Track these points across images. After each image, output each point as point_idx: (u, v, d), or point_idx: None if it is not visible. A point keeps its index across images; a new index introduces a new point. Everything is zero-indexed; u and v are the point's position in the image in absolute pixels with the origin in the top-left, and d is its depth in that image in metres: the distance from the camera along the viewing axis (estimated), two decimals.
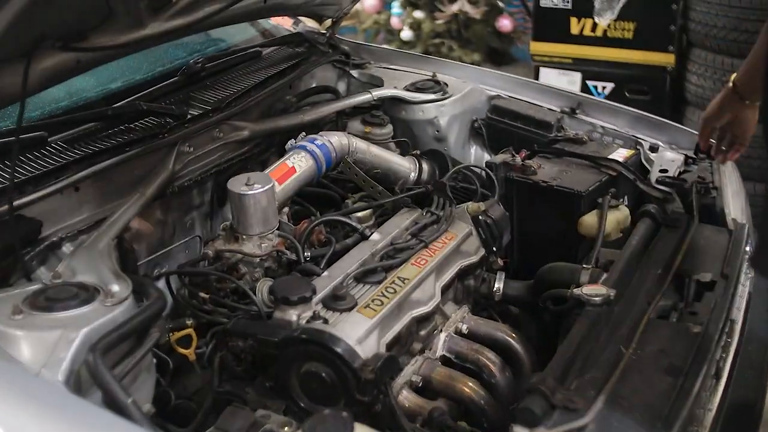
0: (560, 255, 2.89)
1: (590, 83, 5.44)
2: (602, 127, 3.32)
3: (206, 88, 2.98)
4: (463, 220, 2.66)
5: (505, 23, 6.41)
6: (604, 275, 2.42)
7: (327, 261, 2.46)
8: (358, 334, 2.08)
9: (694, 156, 3.15)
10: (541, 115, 3.32)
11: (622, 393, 1.95)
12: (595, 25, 5.37)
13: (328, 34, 3.63)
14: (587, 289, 2.28)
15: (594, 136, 3.29)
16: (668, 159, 3.15)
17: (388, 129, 3.30)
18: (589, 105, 3.40)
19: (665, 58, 5.28)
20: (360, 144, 2.87)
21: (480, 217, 2.69)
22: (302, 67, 3.34)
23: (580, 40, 5.41)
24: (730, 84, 2.69)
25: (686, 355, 2.10)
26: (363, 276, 2.29)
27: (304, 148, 2.69)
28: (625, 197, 3.01)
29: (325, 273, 2.32)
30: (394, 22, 7.48)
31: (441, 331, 2.44)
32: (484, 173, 2.96)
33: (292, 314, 2.10)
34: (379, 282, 2.29)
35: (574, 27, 5.41)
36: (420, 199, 2.72)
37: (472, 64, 6.63)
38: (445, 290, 2.47)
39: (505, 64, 6.81)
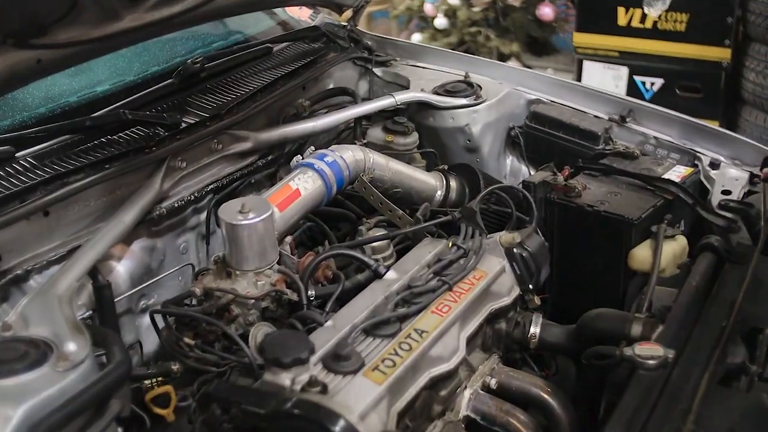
0: (606, 292, 2.53)
1: (638, 79, 5.03)
2: (655, 138, 2.93)
3: (205, 91, 2.62)
4: (495, 254, 2.29)
5: (546, 11, 5.99)
6: (660, 328, 2.05)
7: (334, 302, 2.12)
8: (363, 405, 1.72)
9: (760, 174, 2.75)
10: (587, 124, 2.93)
11: None
12: (644, 16, 4.97)
13: (348, 27, 3.25)
14: (640, 349, 1.91)
15: (647, 149, 2.90)
16: (731, 177, 2.75)
17: (413, 138, 2.94)
18: (641, 112, 3.00)
19: (720, 53, 4.86)
20: (378, 159, 2.51)
21: (515, 250, 2.32)
22: (318, 65, 2.98)
23: (628, 31, 5.01)
24: None
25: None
26: (373, 328, 1.94)
27: (311, 166, 2.32)
28: (682, 223, 2.62)
29: (329, 322, 1.96)
30: (428, 8, 7.05)
31: (465, 387, 2.08)
32: (520, 194, 2.58)
33: (285, 378, 1.75)
34: (393, 335, 1.94)
35: (622, 18, 5.00)
36: (445, 225, 2.35)
37: (511, 54, 6.24)
38: (471, 339, 2.11)
39: (545, 54, 6.39)
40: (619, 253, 2.48)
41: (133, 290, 2.30)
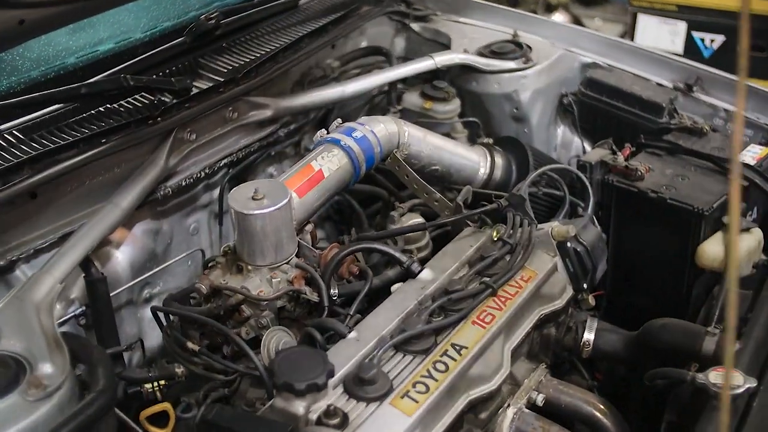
0: (668, 291, 2.25)
1: (696, 35, 4.62)
2: (726, 111, 2.58)
3: (220, 52, 2.31)
4: (545, 248, 2.00)
5: None
6: (736, 345, 1.75)
7: (359, 304, 1.85)
8: None
9: None
10: (650, 94, 2.59)
11: None
12: None
13: None
14: (717, 376, 1.62)
15: (716, 124, 2.57)
16: None
17: (454, 105, 2.64)
18: (709, 80, 2.65)
19: None
20: (414, 132, 2.20)
21: (569, 244, 2.03)
22: (349, 21, 2.65)
23: None
24: None
25: None
26: (404, 343, 1.66)
27: (337, 143, 2.02)
28: (754, 210, 2.31)
29: (353, 334, 1.69)
30: None
31: (509, 405, 1.81)
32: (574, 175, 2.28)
33: (299, 405, 1.49)
34: (427, 351, 1.66)
35: None
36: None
37: (558, 4, 5.84)
38: (516, 349, 1.83)
39: (596, 4, 5.95)
40: (686, 248, 2.19)
41: (134, 281, 2.04)
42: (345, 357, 1.61)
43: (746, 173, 2.25)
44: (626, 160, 2.30)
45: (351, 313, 1.83)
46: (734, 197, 1.31)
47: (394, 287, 1.82)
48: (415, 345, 1.66)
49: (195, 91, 2.13)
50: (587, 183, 2.23)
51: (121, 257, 2.03)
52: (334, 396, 1.54)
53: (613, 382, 2.22)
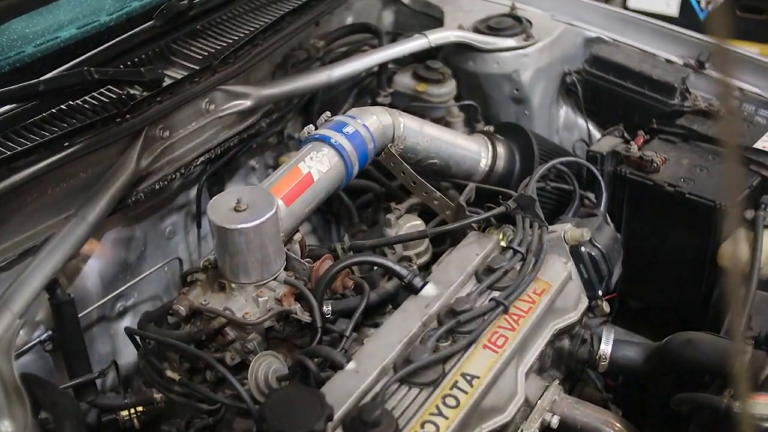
0: (686, 292, 2.08)
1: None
2: (740, 89, 2.40)
3: (194, 36, 2.09)
4: (557, 252, 1.82)
5: None
6: None
7: (366, 317, 1.70)
8: None
9: None
10: (660, 73, 2.40)
11: None
12: None
13: None
14: (758, 405, 1.46)
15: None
16: None
17: (450, 87, 2.44)
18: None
19: None
20: (410, 124, 2.00)
21: (583, 249, 1.86)
22: None
23: None
24: None
25: None
26: (409, 376, 1.48)
27: (326, 140, 1.82)
28: None
29: (351, 364, 1.51)
30: None
31: (522, 431, 1.64)
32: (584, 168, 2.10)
33: None
34: (434, 383, 1.48)
35: None
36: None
37: None
38: (528, 370, 1.66)
39: None
40: (706, 246, 2.03)
41: (106, 298, 1.85)
42: (344, 393, 1.44)
43: (766, 162, 2.08)
44: (640, 149, 2.12)
45: (347, 334, 1.65)
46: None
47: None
48: (422, 376, 1.49)
49: (167, 82, 1.91)
50: (600, 178, 2.05)
51: (90, 271, 1.84)
52: None
53: (628, 392, 2.07)
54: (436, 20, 2.63)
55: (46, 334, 1.70)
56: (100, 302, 1.84)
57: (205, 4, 2.11)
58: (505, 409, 1.55)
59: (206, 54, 2.03)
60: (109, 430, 1.71)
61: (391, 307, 1.83)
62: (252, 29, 2.14)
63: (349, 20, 2.57)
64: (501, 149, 2.20)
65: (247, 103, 2.07)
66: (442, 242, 2.04)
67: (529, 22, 2.52)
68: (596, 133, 2.52)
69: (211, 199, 1.77)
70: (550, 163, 2.03)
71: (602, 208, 2.02)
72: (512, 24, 2.51)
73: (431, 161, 2.06)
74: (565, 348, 1.82)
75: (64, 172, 1.73)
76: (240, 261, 1.63)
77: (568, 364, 1.86)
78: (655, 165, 2.08)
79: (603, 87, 2.48)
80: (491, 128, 2.26)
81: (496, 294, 1.66)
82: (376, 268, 1.88)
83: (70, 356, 1.71)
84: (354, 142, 1.85)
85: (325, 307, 1.68)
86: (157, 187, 1.89)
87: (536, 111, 2.52)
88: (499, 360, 1.56)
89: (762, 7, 4.32)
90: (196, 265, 2.02)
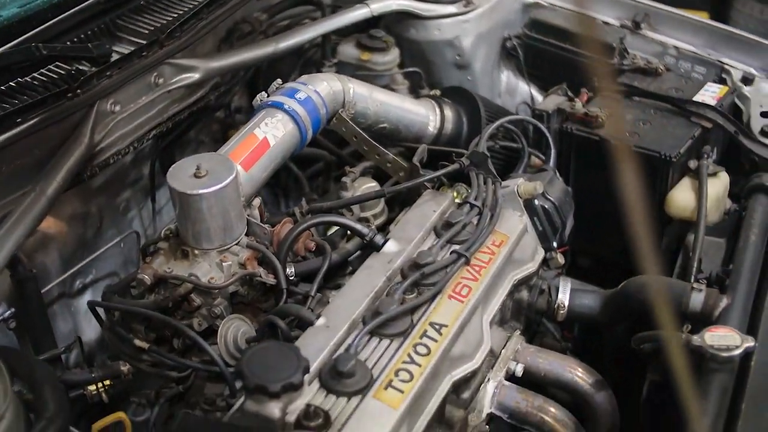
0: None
1: None
2: (676, 48, 2.48)
3: (139, 11, 2.08)
4: (512, 207, 1.87)
5: None
6: (724, 301, 1.66)
7: (328, 279, 1.71)
8: None
9: None
10: (600, 34, 2.46)
11: None
12: None
13: None
14: (712, 337, 1.54)
15: (668, 63, 2.46)
16: (766, 94, 2.34)
17: (393, 55, 2.47)
18: (658, 17, 2.55)
19: None
20: (359, 89, 2.03)
21: (537, 202, 1.91)
22: None
23: None
24: None
25: None
26: (379, 328, 1.51)
27: (280, 106, 1.83)
28: (714, 152, 2.22)
29: (321, 320, 1.53)
30: None
31: (488, 379, 1.68)
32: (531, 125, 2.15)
33: (274, 409, 1.33)
34: (404, 334, 1.51)
35: None
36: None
37: None
38: (491, 320, 1.70)
39: None
40: (655, 196, 2.09)
41: (66, 274, 1.83)
42: (316, 348, 1.46)
43: (708, 114, 2.16)
44: (584, 106, 2.18)
45: (312, 293, 1.67)
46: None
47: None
48: (391, 328, 1.52)
49: (115, 56, 1.90)
50: (548, 135, 2.10)
51: (49, 248, 1.82)
52: (310, 393, 1.38)
53: (584, 342, 2.13)
54: None
55: (9, 312, 1.68)
56: (60, 278, 1.83)
57: None
58: (473, 357, 1.58)
59: (153, 29, 2.02)
60: (77, 406, 1.70)
61: (351, 269, 1.86)
62: (195, 3, 2.14)
63: None
64: (448, 112, 2.23)
65: (195, 76, 2.07)
66: (395, 207, 2.08)
67: None
68: (538, 96, 2.58)
69: (164, 173, 1.77)
70: (499, 122, 2.08)
71: (551, 163, 2.07)
72: None
73: (381, 126, 2.09)
74: (524, 299, 1.87)
75: (18, 149, 1.71)
76: (202, 227, 1.63)
77: (528, 315, 1.90)
78: (600, 120, 2.14)
79: (544, 50, 2.53)
80: (437, 92, 2.29)
81: (456, 247, 1.69)
82: (335, 230, 1.90)
83: (35, 333, 1.70)
84: (307, 108, 1.87)
85: (288, 269, 1.70)
86: (111, 161, 1.87)
87: (479, 76, 2.56)
88: (464, 309, 1.59)
89: None
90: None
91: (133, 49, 1.94)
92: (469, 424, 1.64)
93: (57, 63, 1.85)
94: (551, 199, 1.93)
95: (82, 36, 1.96)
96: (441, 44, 2.51)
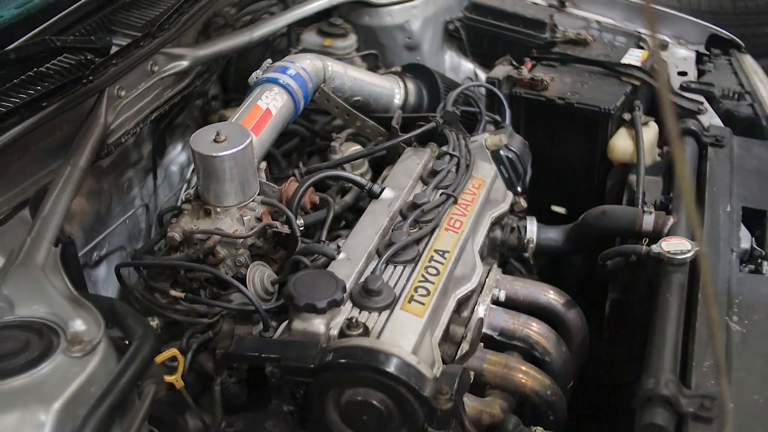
0: (585, 186, 2.44)
1: None
2: (598, 22, 2.81)
3: (128, 7, 2.28)
4: (481, 158, 2.14)
5: None
6: (671, 220, 1.96)
7: (328, 230, 1.93)
8: (413, 341, 1.57)
9: (707, 52, 2.70)
10: (532, 12, 2.78)
11: (751, 383, 1.52)
12: None
13: None
14: (668, 245, 1.84)
15: (592, 34, 2.78)
16: (681, 58, 2.70)
17: (352, 40, 2.73)
18: None
19: None
20: (336, 67, 2.27)
21: (501, 152, 2.19)
22: None
23: None
24: None
25: None
26: (394, 255, 1.75)
27: (276, 81, 2.07)
28: (641, 106, 2.54)
29: (342, 254, 1.77)
30: None
31: (478, 304, 1.94)
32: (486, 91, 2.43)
33: (320, 325, 1.56)
34: (414, 260, 1.77)
35: None
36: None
37: None
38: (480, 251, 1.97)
39: None
40: (595, 145, 2.39)
41: (89, 246, 2.02)
42: (343, 275, 1.68)
43: (636, 74, 2.48)
44: (530, 72, 2.47)
45: (323, 239, 1.91)
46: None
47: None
48: (403, 256, 1.77)
49: (116, 48, 2.10)
50: (502, 97, 2.38)
51: (73, 222, 2.00)
52: (346, 311, 1.62)
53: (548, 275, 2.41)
54: None
55: None
56: (84, 250, 2.01)
57: None
58: (471, 278, 1.84)
59: (144, 22, 2.22)
60: None
61: (344, 222, 2.10)
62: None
63: None
64: (410, 86, 2.49)
65: (184, 64, 2.27)
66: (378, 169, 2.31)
67: None
68: (480, 72, 2.87)
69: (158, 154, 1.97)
70: (461, 87, 2.35)
71: (508, 120, 2.35)
72: None
73: (355, 99, 2.33)
74: (498, 237, 2.14)
75: (44, 131, 1.89)
76: (224, 186, 1.84)
77: (501, 252, 2.17)
78: (545, 83, 2.43)
79: (483, 30, 2.83)
80: (399, 69, 2.55)
81: (444, 190, 1.95)
82: (330, 189, 2.14)
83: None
84: (298, 82, 2.10)
85: (298, 221, 1.92)
86: (122, 140, 2.07)
87: (427, 56, 2.84)
88: (460, 238, 1.86)
89: None
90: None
91: (130, 41, 2.14)
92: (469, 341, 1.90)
93: (66, 54, 2.03)
94: (513, 149, 2.21)
95: (83, 31, 2.15)
96: (393, 29, 2.79)
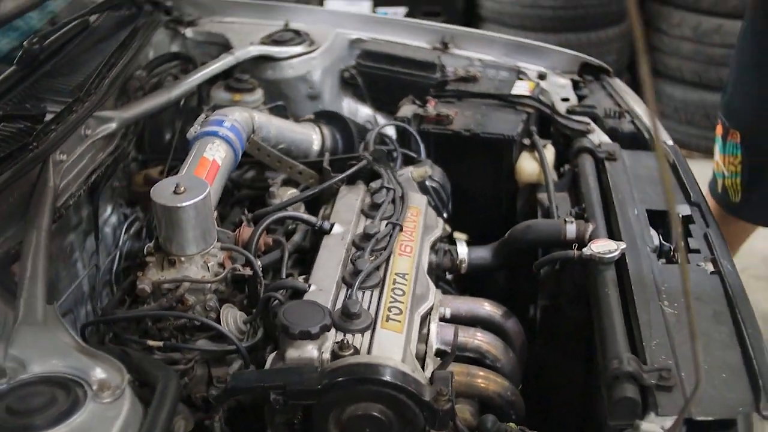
0: (497, 209, 2.65)
1: (381, 9, 5.16)
2: (480, 60, 3.06)
3: (52, 74, 2.33)
4: (411, 190, 2.31)
5: None
6: (590, 226, 2.19)
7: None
8: (400, 355, 1.71)
9: (581, 78, 3.00)
10: (422, 55, 3.00)
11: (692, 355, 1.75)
12: None
13: None
14: (597, 247, 2.05)
15: (478, 71, 3.02)
16: (560, 86, 2.97)
17: (259, 94, 2.84)
18: (460, 37, 3.12)
19: None
20: (260, 117, 2.40)
21: (427, 183, 2.37)
22: (140, 33, 2.74)
23: None
24: None
25: (718, 299, 1.92)
26: (361, 282, 1.89)
27: (215, 134, 2.17)
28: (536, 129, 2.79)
29: (313, 287, 1.89)
30: None
31: (430, 321, 2.10)
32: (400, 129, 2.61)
33: (313, 350, 1.68)
34: (379, 285, 1.91)
35: None
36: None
37: None
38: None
39: None
40: (502, 170, 2.61)
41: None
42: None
43: (528, 102, 2.72)
44: (435, 109, 2.67)
45: (284, 276, 2.02)
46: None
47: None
48: (369, 282, 1.90)
49: (51, 114, 2.15)
50: (415, 133, 2.57)
51: None
52: (332, 336, 1.74)
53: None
54: (222, 47, 3.01)
55: None
56: None
57: (51, 47, 2.36)
58: (428, 297, 1.99)
59: (72, 88, 2.27)
60: None
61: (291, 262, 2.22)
62: (93, 66, 2.42)
63: (151, 54, 2.88)
64: (326, 131, 2.64)
65: (113, 126, 2.33)
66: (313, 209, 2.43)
67: (307, 33, 3.00)
68: (379, 117, 3.05)
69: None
70: (378, 128, 2.52)
71: (423, 155, 2.53)
72: (293, 36, 2.98)
73: (280, 146, 2.46)
74: (432, 261, 2.30)
75: None
76: (187, 235, 1.92)
77: (437, 274, 2.34)
78: (450, 118, 2.63)
79: (378, 75, 3.02)
80: (312, 116, 2.70)
81: (390, 220, 2.11)
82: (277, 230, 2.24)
83: None
84: (234, 133, 2.21)
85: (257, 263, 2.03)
86: (70, 203, 2.11)
87: (328, 104, 3.00)
88: (413, 261, 2.01)
89: (438, 11, 5.15)
90: (101, 278, 2.28)
91: (63, 107, 2.19)
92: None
93: (4, 123, 2.07)
94: (436, 179, 2.40)
95: (11, 102, 2.18)
96: (295, 80, 2.93)
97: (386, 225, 2.09)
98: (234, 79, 2.81)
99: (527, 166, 2.57)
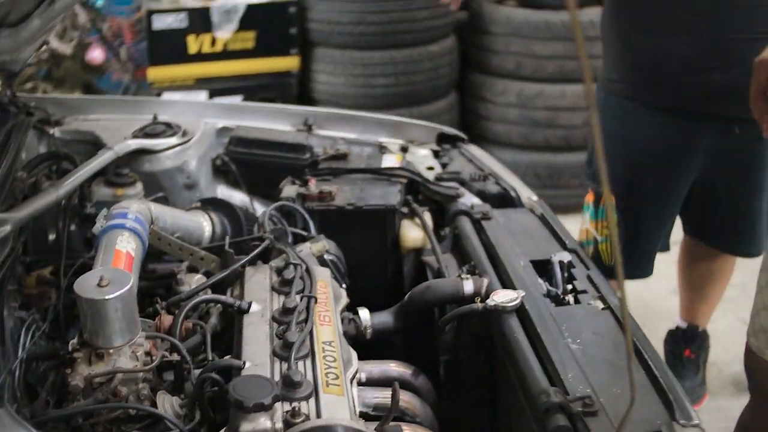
0: (385, 276, 2.80)
1: (219, 100, 5.26)
2: (343, 138, 3.25)
3: None
4: (313, 264, 2.43)
5: (95, 54, 5.87)
6: (485, 280, 2.38)
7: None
8: (348, 417, 1.81)
9: (439, 147, 3.24)
10: (291, 138, 3.14)
11: (607, 381, 1.94)
12: (214, 40, 5.19)
13: (8, 94, 3.01)
14: (499, 297, 2.23)
15: (344, 149, 3.20)
16: (422, 156, 3.19)
17: (140, 187, 2.88)
18: (322, 118, 3.30)
19: (289, 63, 5.34)
20: (155, 207, 2.45)
21: (326, 257, 2.49)
22: (14, 135, 2.73)
23: (200, 58, 5.19)
24: None
25: (614, 331, 2.15)
26: (296, 353, 1.98)
27: (123, 227, 2.21)
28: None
29: (248, 363, 1.96)
30: None
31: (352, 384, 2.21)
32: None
33: (266, 422, 1.75)
34: (310, 354, 2.01)
35: (192, 45, 5.17)
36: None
37: None
38: None
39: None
40: (386, 240, 2.77)
41: None
42: None
43: (401, 173, 2.91)
44: (316, 187, 2.81)
45: (210, 358, 2.07)
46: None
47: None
48: (300, 352, 1.99)
49: None
50: (304, 212, 2.69)
51: None
52: (279, 406, 1.81)
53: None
54: (92, 144, 3.04)
55: None
56: None
57: None
58: (352, 361, 2.10)
59: None
60: None
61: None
62: None
63: (23, 155, 2.86)
64: (214, 217, 2.72)
65: (8, 228, 2.32)
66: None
67: (178, 125, 3.08)
68: (256, 203, 3.15)
69: None
70: (269, 208, 2.62)
71: (313, 231, 2.66)
72: (164, 128, 3.05)
73: (176, 234, 2.52)
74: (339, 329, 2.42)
75: None
76: (114, 327, 1.94)
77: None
78: (332, 194, 2.77)
79: (250, 161, 3.12)
80: (199, 203, 2.77)
81: (304, 293, 2.21)
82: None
83: None
84: (140, 224, 2.27)
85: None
86: None
87: (204, 192, 3.07)
88: (334, 329, 2.12)
89: (273, 98, 5.30)
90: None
91: None
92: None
93: None
94: (333, 253, 2.53)
95: None
96: (172, 171, 2.99)
97: (302, 299, 2.19)
98: (114, 174, 2.83)
99: (410, 232, 2.74)
